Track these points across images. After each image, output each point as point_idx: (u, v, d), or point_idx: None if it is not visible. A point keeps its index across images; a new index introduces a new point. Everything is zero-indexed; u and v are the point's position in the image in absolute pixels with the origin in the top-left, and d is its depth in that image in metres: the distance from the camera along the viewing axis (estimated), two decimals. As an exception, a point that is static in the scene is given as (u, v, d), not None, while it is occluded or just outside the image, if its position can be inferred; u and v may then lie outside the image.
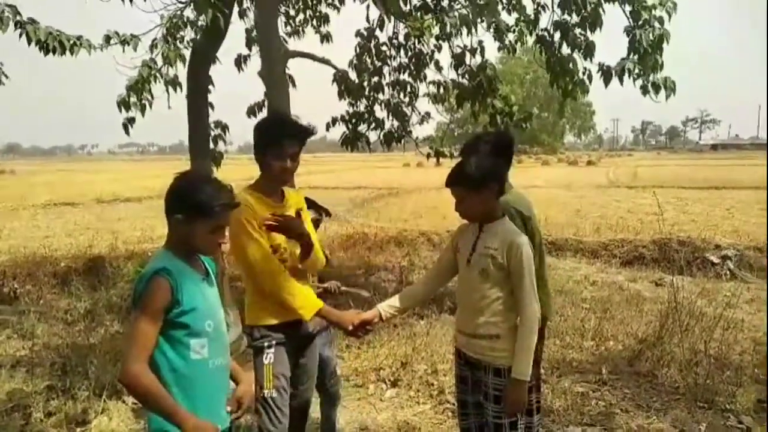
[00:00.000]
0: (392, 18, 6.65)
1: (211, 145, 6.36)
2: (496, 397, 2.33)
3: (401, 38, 6.93)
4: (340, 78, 6.97)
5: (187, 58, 5.65)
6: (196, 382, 1.87)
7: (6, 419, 3.61)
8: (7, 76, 7.58)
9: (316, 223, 3.08)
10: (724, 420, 3.60)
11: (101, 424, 3.61)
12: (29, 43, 4.48)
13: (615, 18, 5.32)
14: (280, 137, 2.46)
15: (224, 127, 6.54)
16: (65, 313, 5.90)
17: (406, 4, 6.19)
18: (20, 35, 4.39)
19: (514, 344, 2.28)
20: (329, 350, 3.24)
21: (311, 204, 3.07)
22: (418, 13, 6.25)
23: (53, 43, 4.54)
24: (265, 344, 2.55)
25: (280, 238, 2.52)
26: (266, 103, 6.26)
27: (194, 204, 1.84)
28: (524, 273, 2.25)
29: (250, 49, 6.91)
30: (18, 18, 4.35)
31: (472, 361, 2.42)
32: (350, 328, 2.54)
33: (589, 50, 5.16)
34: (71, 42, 4.67)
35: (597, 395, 3.99)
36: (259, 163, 2.52)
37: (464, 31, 5.43)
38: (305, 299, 2.50)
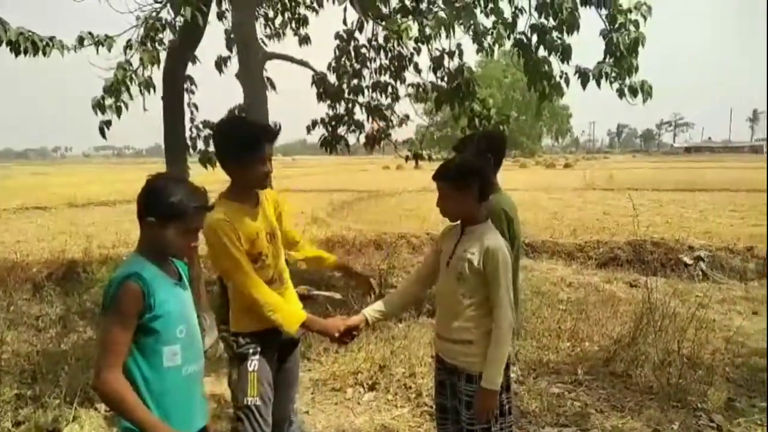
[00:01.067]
0: (370, 20, 6.66)
1: (202, 146, 6.30)
2: (467, 403, 2.32)
3: (380, 40, 6.95)
4: (318, 80, 6.95)
5: (163, 59, 5.57)
6: (169, 390, 1.84)
7: (-27, 429, 3.52)
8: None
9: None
10: (696, 419, 3.65)
11: (72, 432, 3.53)
12: (-1, 44, 4.38)
13: (591, 21, 5.39)
14: (259, 141, 2.39)
15: (212, 127, 6.46)
16: (36, 320, 5.78)
17: (384, 6, 6.19)
18: None
19: (486, 351, 2.25)
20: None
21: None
22: (397, 16, 6.27)
23: (25, 44, 4.44)
24: (251, 351, 2.51)
25: (262, 245, 2.49)
26: (244, 105, 6.21)
27: (167, 206, 1.81)
28: (500, 279, 2.22)
29: (230, 51, 6.85)
30: None
31: (448, 366, 2.41)
32: (336, 335, 2.50)
33: (566, 53, 5.22)
34: (44, 43, 4.57)
35: (573, 396, 4.03)
36: (233, 169, 2.44)
37: (443, 34, 5.46)
38: (288, 314, 2.46)
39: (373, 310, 2.58)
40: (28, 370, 4.31)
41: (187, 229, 1.87)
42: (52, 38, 4.68)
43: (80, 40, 5.07)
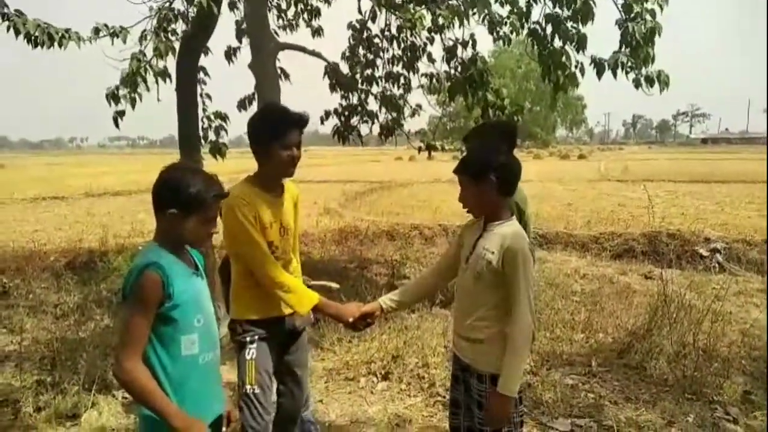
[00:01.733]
0: (384, 10, 6.63)
1: (213, 137, 6.34)
2: (479, 402, 2.28)
3: (393, 30, 6.92)
4: (331, 71, 6.94)
5: (177, 49, 5.60)
6: (187, 378, 1.86)
7: (-5, 414, 3.59)
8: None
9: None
10: (711, 411, 3.63)
11: (91, 418, 3.59)
12: (17, 36, 4.42)
13: (607, 10, 5.32)
14: (286, 127, 2.44)
15: (224, 118, 6.50)
16: (55, 308, 5.86)
17: (398, -4, 6.16)
18: (8, 28, 4.32)
19: (498, 351, 2.18)
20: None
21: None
22: (410, 5, 6.23)
23: (42, 36, 4.48)
24: (248, 339, 2.54)
25: (273, 236, 2.52)
26: (256, 96, 6.22)
27: (187, 197, 1.82)
28: (519, 282, 2.12)
29: (240, 42, 6.86)
30: (5, 11, 4.28)
31: (462, 363, 2.38)
32: (350, 320, 2.51)
33: (581, 43, 5.16)
34: (59, 35, 4.60)
35: (587, 387, 4.02)
36: (261, 156, 2.49)
37: (456, 23, 5.42)
38: (301, 295, 2.49)
39: (388, 298, 2.57)
40: (48, 356, 4.39)
41: (206, 219, 1.89)
42: (68, 30, 4.71)
43: (96, 32, 5.11)
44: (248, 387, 2.51)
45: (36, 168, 41.83)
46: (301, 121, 2.48)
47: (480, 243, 2.27)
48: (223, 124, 6.48)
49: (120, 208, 14.90)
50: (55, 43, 4.59)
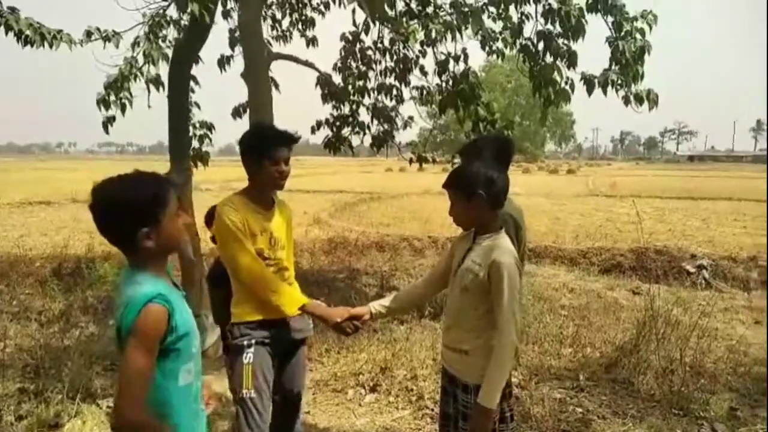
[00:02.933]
0: (377, 22, 6.68)
1: (196, 145, 6.31)
2: (464, 413, 2.27)
3: (386, 43, 6.97)
4: (323, 81, 6.97)
5: (170, 56, 5.59)
6: (182, 409, 1.73)
7: (-25, 422, 3.52)
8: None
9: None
10: (698, 427, 3.65)
11: (74, 428, 3.53)
12: (7, 33, 4.39)
13: (598, 28, 5.39)
14: (275, 144, 2.53)
15: (210, 127, 6.49)
16: (39, 314, 5.78)
17: (391, 9, 6.21)
18: None
19: (483, 362, 2.17)
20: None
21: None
22: (404, 19, 6.28)
23: (34, 36, 4.46)
24: (245, 343, 2.54)
25: (263, 243, 2.56)
26: (249, 105, 6.22)
27: (149, 205, 1.62)
28: (503, 296, 2.10)
29: (233, 50, 6.87)
30: None
31: (449, 374, 2.38)
32: (338, 320, 2.51)
33: (571, 59, 5.23)
34: (51, 35, 4.58)
35: (574, 402, 4.02)
36: (251, 170, 2.58)
37: (449, 37, 5.47)
38: (289, 296, 2.55)
39: (378, 304, 2.58)
40: (31, 364, 4.31)
41: (174, 213, 1.70)
42: (60, 31, 4.69)
43: (88, 35, 5.10)
44: (245, 392, 2.49)
45: (23, 172, 41.38)
46: (289, 139, 2.58)
47: (469, 255, 2.28)
48: (208, 133, 6.47)
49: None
50: (46, 44, 4.56)
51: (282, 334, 2.62)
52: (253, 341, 2.54)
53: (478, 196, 2.19)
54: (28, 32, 4.40)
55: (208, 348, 4.85)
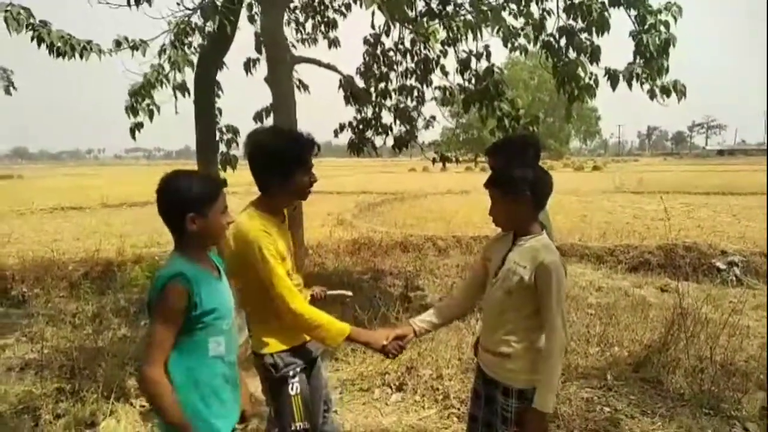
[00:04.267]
0: (398, 24, 6.71)
1: (223, 149, 6.42)
2: (504, 417, 2.25)
3: (407, 44, 6.99)
4: (345, 84, 7.02)
5: (195, 63, 5.70)
6: (214, 377, 1.95)
7: (16, 421, 3.64)
8: (15, 87, 7.66)
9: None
10: (729, 427, 3.59)
11: (109, 426, 3.64)
12: (39, 46, 4.52)
13: (621, 22, 5.35)
14: (307, 152, 2.39)
15: (235, 131, 6.59)
16: (73, 317, 5.94)
17: (411, 10, 6.23)
18: (32, 38, 4.43)
19: (526, 366, 2.18)
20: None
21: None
22: (424, 19, 6.30)
23: (64, 47, 4.58)
24: (290, 373, 2.41)
25: (289, 265, 2.43)
26: (272, 108, 6.30)
27: (198, 196, 1.90)
28: (552, 297, 2.10)
29: (259, 53, 6.95)
30: (31, 20, 4.39)
31: (488, 377, 2.34)
32: (384, 343, 2.41)
33: (594, 55, 5.18)
34: (81, 46, 4.70)
35: (602, 401, 3.99)
36: (277, 180, 2.36)
37: (470, 36, 5.46)
38: (333, 327, 2.36)
39: (421, 320, 2.52)
40: (67, 365, 4.44)
41: (222, 208, 1.97)
42: (89, 42, 4.81)
43: (117, 44, 5.22)
44: (298, 425, 2.40)
45: (55, 179, 42.47)
46: (314, 144, 2.44)
47: (510, 257, 2.24)
48: (234, 137, 6.56)
49: (137, 218, 15.07)
50: (77, 54, 4.69)
51: (308, 354, 2.52)
52: (298, 369, 2.44)
53: (523, 196, 2.17)
54: (59, 44, 4.52)
55: (239, 345, 4.92)
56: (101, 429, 3.61)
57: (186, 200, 1.88)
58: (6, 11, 4.09)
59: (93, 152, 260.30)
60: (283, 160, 2.34)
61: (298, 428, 2.40)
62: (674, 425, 3.61)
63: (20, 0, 4.32)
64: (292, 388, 2.41)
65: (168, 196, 1.90)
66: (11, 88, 7.59)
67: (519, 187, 2.17)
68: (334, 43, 7.69)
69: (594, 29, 5.11)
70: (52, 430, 3.57)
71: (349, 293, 3.23)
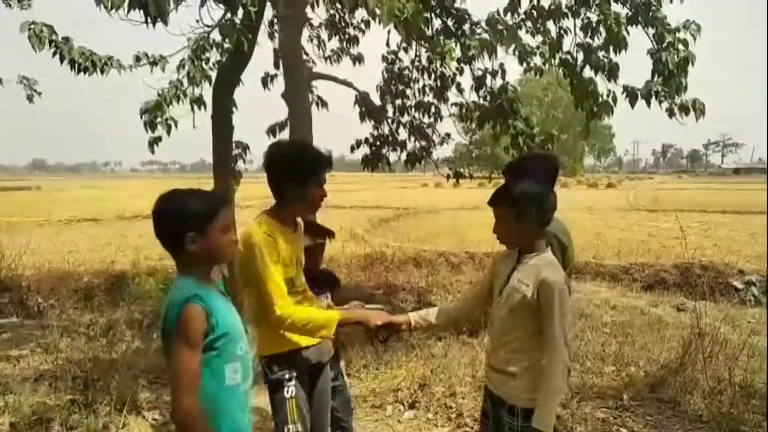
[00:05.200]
0: (414, 42, 6.76)
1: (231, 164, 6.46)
2: None
3: (424, 61, 7.04)
4: (361, 100, 7.08)
5: (213, 78, 5.77)
6: (230, 408, 1.85)
7: (29, 432, 3.66)
8: (39, 93, 7.81)
9: (321, 248, 3.04)
10: (749, 450, 3.51)
11: (121, 439, 3.64)
12: (62, 62, 4.61)
13: (639, 39, 5.34)
14: (321, 166, 2.44)
15: (245, 148, 6.64)
16: (87, 328, 5.97)
17: (428, 28, 6.28)
18: (53, 54, 4.52)
19: (530, 384, 2.16)
20: (342, 380, 3.13)
21: (314, 228, 2.97)
22: (440, 38, 6.34)
23: (85, 63, 4.66)
24: (286, 376, 2.47)
25: (294, 272, 2.48)
26: (289, 123, 6.36)
27: (199, 215, 1.80)
28: (554, 315, 2.08)
29: (277, 68, 7.03)
30: (53, 37, 4.48)
31: (494, 396, 2.34)
32: (377, 323, 2.43)
33: (612, 72, 5.18)
34: (102, 62, 4.79)
35: (618, 421, 3.92)
36: (290, 192, 2.41)
37: (485, 54, 5.49)
38: (324, 319, 2.40)
39: (419, 315, 2.53)
40: (81, 376, 4.46)
41: (224, 228, 1.86)
42: (110, 58, 4.90)
43: (137, 59, 5.31)
44: (290, 426, 2.45)
45: (71, 190, 43.01)
46: (330, 160, 2.50)
47: (514, 275, 2.24)
48: (243, 153, 6.60)
49: (151, 231, 15.11)
50: (98, 70, 4.77)
51: (305, 361, 2.54)
52: (294, 374, 2.48)
53: (527, 214, 2.16)
54: (80, 60, 4.60)
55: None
56: (113, 441, 3.61)
57: (184, 219, 1.79)
58: (30, 29, 4.17)
59: (109, 165, 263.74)
60: (297, 171, 2.40)
61: (290, 430, 2.46)
62: (692, 448, 3.54)
63: (43, 17, 4.41)
64: (287, 391, 2.47)
65: (165, 217, 1.81)
66: (34, 96, 7.67)
67: (523, 205, 2.16)
68: (357, 59, 7.75)
69: (611, 47, 5.11)
70: (65, 441, 3.57)
71: (384, 308, 3.21)
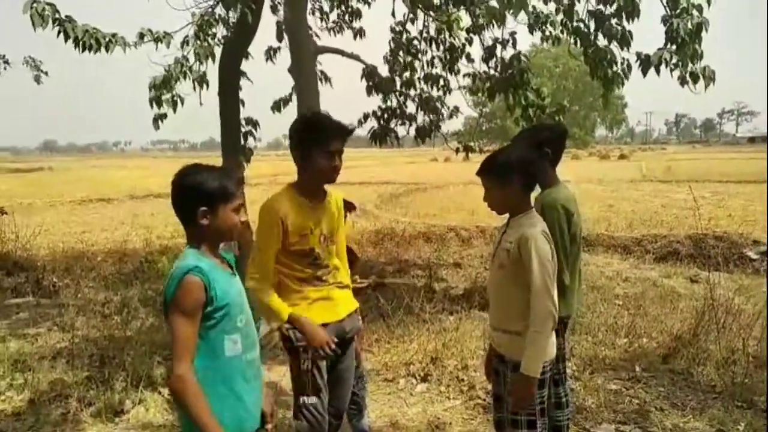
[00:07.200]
0: (421, 12, 6.64)
1: (241, 141, 6.43)
2: (510, 392, 2.32)
3: (432, 32, 6.92)
4: (368, 74, 6.99)
5: (218, 54, 5.71)
6: (232, 378, 1.87)
7: (48, 408, 3.73)
8: (47, 74, 7.78)
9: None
10: (763, 420, 3.50)
11: (138, 414, 3.70)
12: (66, 41, 4.58)
13: (652, 6, 5.21)
14: (329, 135, 2.43)
15: (255, 124, 6.60)
16: (102, 306, 6.05)
17: (434, -2, 6.17)
18: (58, 33, 4.48)
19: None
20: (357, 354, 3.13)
21: None
22: (447, 7, 6.22)
23: (89, 41, 4.62)
24: (301, 348, 2.47)
25: (314, 242, 2.50)
26: (295, 99, 6.30)
27: (211, 190, 1.84)
28: (533, 267, 2.18)
29: (280, 41, 6.94)
30: (56, 15, 4.44)
31: (498, 355, 2.43)
32: (321, 342, 2.42)
33: (625, 40, 5.06)
34: (106, 39, 4.74)
35: (630, 393, 3.92)
36: (301, 162, 2.48)
37: (495, 23, 5.38)
38: (272, 307, 2.47)
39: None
40: (96, 354, 4.53)
41: (235, 207, 1.90)
42: (114, 35, 4.85)
43: (140, 37, 5.25)
44: (305, 398, 2.48)
45: (83, 171, 43.29)
46: (344, 130, 2.49)
47: (504, 237, 2.37)
48: (253, 130, 6.55)
49: (163, 209, 15.24)
50: (102, 48, 4.73)
51: (332, 334, 2.53)
52: (314, 347, 2.47)
53: (508, 179, 2.27)
54: (84, 38, 4.56)
55: (262, 337, 4.96)
56: (130, 417, 3.67)
57: (200, 194, 1.84)
58: (32, 8, 4.14)
59: (120, 145, 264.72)
60: (300, 141, 2.47)
61: (305, 402, 2.49)
62: (706, 418, 3.53)
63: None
64: (303, 363, 2.48)
65: (183, 188, 1.87)
66: (43, 77, 7.66)
67: (504, 172, 2.28)
68: (359, 33, 7.63)
69: (625, 14, 4.98)
70: (82, 417, 3.64)
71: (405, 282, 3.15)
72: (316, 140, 2.43)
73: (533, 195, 2.48)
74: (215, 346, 1.84)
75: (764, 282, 6.80)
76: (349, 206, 3.04)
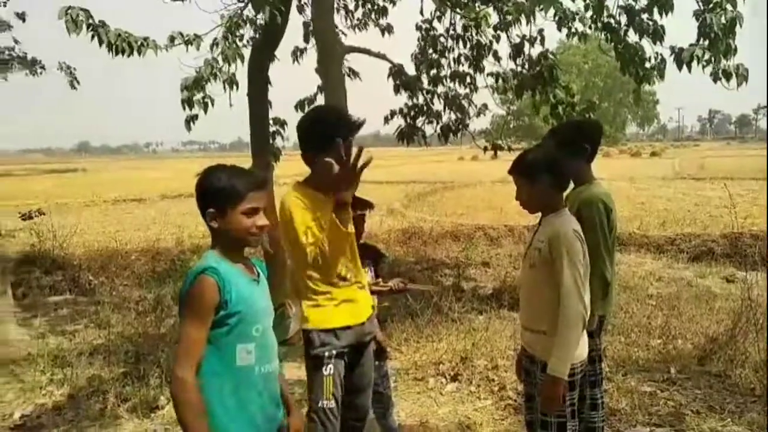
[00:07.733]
0: (448, 9, 6.61)
1: (270, 141, 6.49)
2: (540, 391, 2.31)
3: (459, 29, 6.88)
4: (395, 72, 6.98)
5: (246, 56, 5.76)
6: (241, 388, 1.78)
7: (87, 403, 3.84)
8: (79, 82, 7.98)
9: (361, 220, 2.92)
10: (806, 424, 3.40)
11: (173, 410, 3.76)
12: (100, 45, 4.69)
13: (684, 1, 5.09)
14: (336, 132, 2.26)
15: (282, 124, 6.66)
16: (136, 304, 6.19)
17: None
18: (92, 37, 4.60)
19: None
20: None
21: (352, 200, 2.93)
22: (475, 4, 6.18)
23: (122, 45, 4.73)
24: (326, 354, 2.40)
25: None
26: (323, 98, 6.32)
27: (217, 191, 1.78)
28: (564, 266, 2.18)
29: (307, 42, 6.99)
30: (90, 21, 4.55)
31: (528, 355, 2.42)
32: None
33: (657, 34, 4.95)
34: (139, 43, 4.84)
35: (665, 395, 3.84)
36: (310, 159, 2.41)
37: (523, 20, 5.33)
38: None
39: None
40: (132, 350, 4.64)
41: (246, 210, 1.79)
42: (146, 39, 4.95)
43: (171, 40, 5.35)
44: (325, 402, 2.42)
45: (116, 172, 44.27)
46: (350, 125, 2.36)
47: (536, 236, 2.37)
48: (281, 130, 6.59)
49: (194, 209, 15.13)
50: (134, 51, 4.84)
51: (354, 338, 2.48)
52: (335, 352, 2.41)
53: (540, 177, 2.27)
54: (117, 42, 4.67)
55: (293, 335, 4.99)
56: (165, 413, 3.74)
57: (207, 195, 1.81)
58: (67, 14, 4.25)
59: (151, 146, 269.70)
60: (309, 141, 2.39)
61: (324, 406, 2.43)
62: (745, 422, 3.44)
63: (80, 2, 4.49)
64: (326, 369, 2.41)
65: (196, 190, 1.84)
66: (75, 83, 7.91)
67: (534, 171, 2.28)
68: (386, 30, 7.64)
69: (656, 8, 4.88)
70: (119, 412, 3.72)
71: (432, 287, 3.16)
72: (323, 137, 2.31)
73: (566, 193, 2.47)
74: (226, 353, 1.76)
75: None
76: (366, 204, 2.94)
